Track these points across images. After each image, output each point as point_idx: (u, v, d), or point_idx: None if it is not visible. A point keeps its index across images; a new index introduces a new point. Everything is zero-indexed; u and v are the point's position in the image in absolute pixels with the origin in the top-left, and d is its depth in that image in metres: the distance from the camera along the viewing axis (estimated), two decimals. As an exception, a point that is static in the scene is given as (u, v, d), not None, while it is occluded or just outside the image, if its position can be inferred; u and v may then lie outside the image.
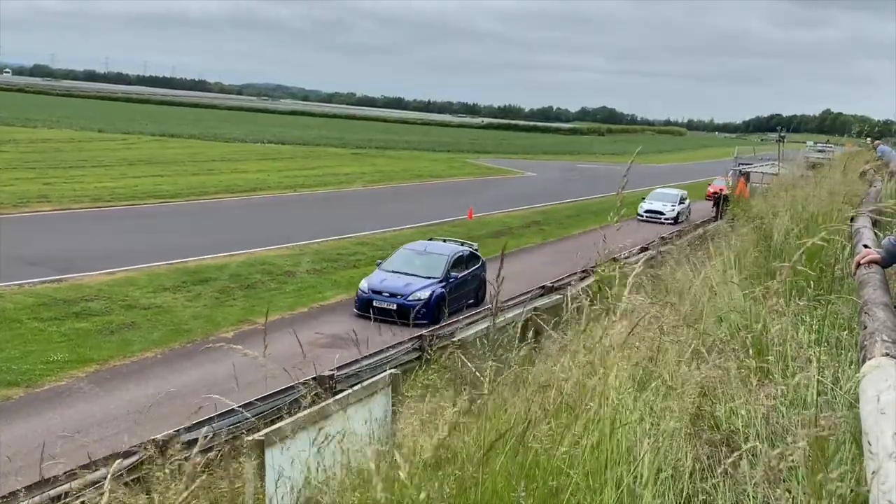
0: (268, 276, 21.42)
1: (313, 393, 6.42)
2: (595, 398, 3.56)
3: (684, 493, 3.01)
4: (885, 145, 19.53)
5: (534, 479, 3.31)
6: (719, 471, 2.97)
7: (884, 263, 4.00)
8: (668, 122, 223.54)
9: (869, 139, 22.30)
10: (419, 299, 18.28)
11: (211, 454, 7.12)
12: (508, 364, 5.11)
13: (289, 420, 6.16)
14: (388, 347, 12.70)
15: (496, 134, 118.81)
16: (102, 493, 6.69)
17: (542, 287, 15.42)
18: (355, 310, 18.64)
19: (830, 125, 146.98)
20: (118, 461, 7.74)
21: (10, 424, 11.75)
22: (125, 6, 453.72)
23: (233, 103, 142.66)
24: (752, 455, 2.94)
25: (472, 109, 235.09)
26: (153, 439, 8.36)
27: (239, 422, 8.40)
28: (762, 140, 69.33)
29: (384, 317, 16.62)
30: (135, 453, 8.21)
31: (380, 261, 20.46)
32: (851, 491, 2.50)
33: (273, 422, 6.57)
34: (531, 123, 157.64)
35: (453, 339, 11.98)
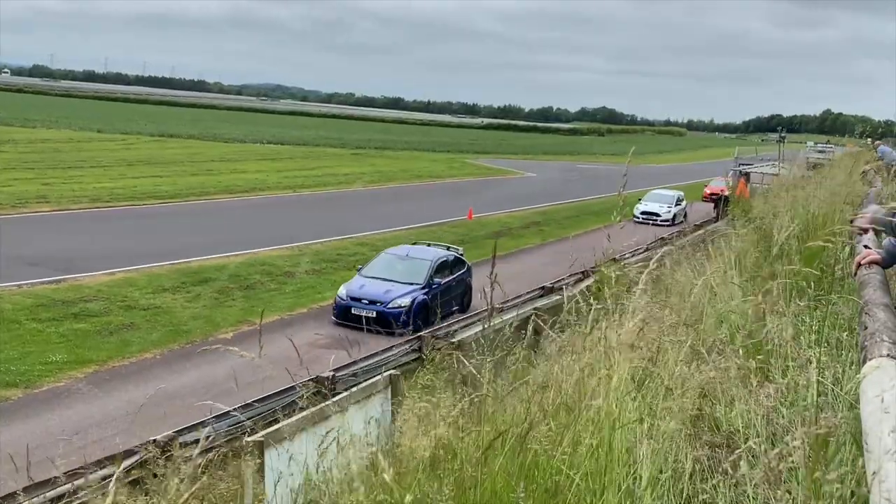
0: (267, 276, 21.41)
1: (313, 394, 6.42)
2: (595, 399, 3.55)
3: (684, 494, 3.00)
4: (886, 146, 19.53)
5: (533, 480, 3.30)
6: (719, 472, 2.97)
7: (884, 264, 4.00)
8: (668, 123, 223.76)
9: (869, 139, 22.29)
10: (400, 307, 17.71)
11: (210, 455, 7.11)
12: (508, 365, 5.10)
13: (288, 421, 6.15)
14: (387, 348, 12.69)
15: (496, 134, 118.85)
16: (103, 495, 6.68)
17: (542, 287, 15.41)
18: (333, 317, 18.05)
19: (831, 125, 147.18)
20: (119, 463, 7.74)
21: (8, 426, 11.73)
22: (124, 6, 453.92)
23: (232, 103, 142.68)
24: (752, 456, 2.93)
25: (471, 110, 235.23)
26: (153, 440, 8.36)
27: (237, 423, 8.39)
28: (762, 140, 69.38)
29: (362, 325, 16.20)
30: (134, 454, 8.21)
31: (360, 266, 19.88)
32: (852, 493, 2.50)
33: (272, 423, 6.57)
34: (531, 124, 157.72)
35: (452, 340, 11.96)
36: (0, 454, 7.50)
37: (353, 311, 17.58)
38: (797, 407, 3.14)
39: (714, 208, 30.90)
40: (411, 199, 40.02)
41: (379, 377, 7.31)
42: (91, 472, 7.34)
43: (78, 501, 6.86)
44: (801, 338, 3.82)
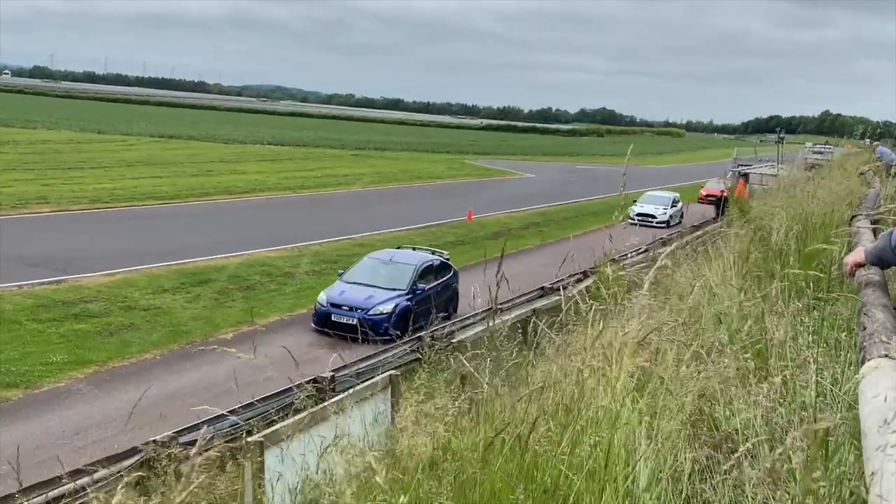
0: (267, 277, 21.42)
1: (312, 394, 6.43)
2: (594, 399, 3.56)
3: (683, 495, 3.01)
4: (884, 146, 19.54)
5: (533, 480, 3.31)
6: (718, 472, 2.97)
7: (869, 260, 3.96)
8: (667, 123, 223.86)
9: (868, 140, 22.31)
10: (381, 313, 17.23)
11: (210, 455, 7.12)
12: (507, 365, 5.11)
13: (288, 422, 6.15)
14: (386, 349, 12.71)
15: (495, 135, 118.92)
16: (105, 494, 6.69)
17: (541, 288, 15.43)
18: (313, 324, 17.59)
19: (830, 126, 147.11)
20: (119, 463, 7.76)
21: (8, 426, 11.74)
22: (124, 7, 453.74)
23: (232, 104, 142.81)
24: (752, 456, 2.94)
25: (471, 110, 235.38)
26: (153, 440, 8.37)
27: (237, 424, 8.40)
28: (761, 141, 69.40)
29: (344, 332, 15.82)
30: (135, 455, 8.22)
31: (341, 271, 19.25)
32: (850, 493, 2.50)
33: (271, 423, 6.57)
34: (530, 124, 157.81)
35: (452, 341, 11.97)
36: (0, 455, 7.51)
37: (333, 318, 17.15)
38: (796, 407, 3.15)
39: (714, 209, 30.88)
40: (411, 199, 40.03)
41: (378, 377, 7.31)
42: (91, 473, 7.35)
43: (79, 502, 6.87)
44: (800, 338, 3.82)
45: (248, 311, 18.43)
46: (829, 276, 4.96)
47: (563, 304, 5.20)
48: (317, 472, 5.18)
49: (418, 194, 43.00)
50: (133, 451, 8.33)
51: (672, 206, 37.93)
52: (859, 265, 3.88)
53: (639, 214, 35.67)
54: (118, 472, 7.70)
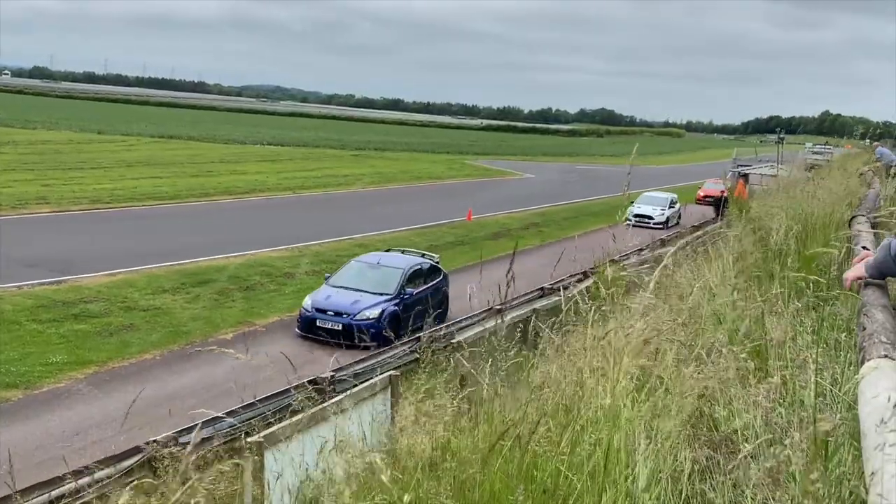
0: (267, 277, 21.43)
1: (312, 395, 6.42)
2: (594, 399, 3.56)
3: (683, 495, 3.01)
4: (884, 147, 19.54)
5: (532, 481, 3.31)
6: (718, 472, 2.97)
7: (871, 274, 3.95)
8: (666, 124, 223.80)
9: (868, 140, 22.31)
10: (367, 318, 16.75)
11: (210, 455, 7.12)
12: (506, 365, 5.11)
13: (288, 422, 6.16)
14: (386, 349, 12.71)
15: (495, 135, 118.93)
16: (101, 497, 6.69)
17: (541, 289, 15.42)
18: (297, 330, 17.15)
19: (829, 127, 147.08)
20: (119, 463, 7.75)
21: (8, 427, 11.74)
22: (124, 7, 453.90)
23: (232, 105, 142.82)
24: (751, 456, 2.94)
25: (471, 111, 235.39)
26: (153, 441, 8.36)
27: (236, 425, 8.40)
28: (761, 141, 69.38)
29: (329, 338, 15.46)
30: (134, 455, 8.21)
31: (328, 274, 18.70)
32: (850, 493, 2.50)
33: (270, 424, 6.57)
34: (530, 125, 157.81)
35: (452, 341, 11.97)
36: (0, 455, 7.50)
37: (318, 324, 16.73)
38: (796, 407, 3.14)
39: (714, 209, 30.75)
40: (411, 200, 40.03)
41: (378, 378, 7.32)
42: (91, 473, 7.35)
43: (80, 502, 6.87)
44: (800, 338, 3.82)
45: (248, 312, 18.46)
46: (829, 277, 4.96)
47: (562, 305, 5.20)
48: (316, 472, 5.18)
49: (418, 195, 43.00)
50: (134, 451, 8.33)
51: (669, 207, 37.57)
52: (859, 279, 3.87)
53: (636, 215, 34.90)
54: (118, 472, 7.70)
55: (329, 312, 16.95)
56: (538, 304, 14.76)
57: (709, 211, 32.09)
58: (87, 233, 24.98)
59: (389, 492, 3.43)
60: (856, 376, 2.70)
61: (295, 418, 6.14)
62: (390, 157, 64.49)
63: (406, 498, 3.39)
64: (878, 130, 20.01)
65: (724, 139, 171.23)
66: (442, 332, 13.04)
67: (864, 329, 3.05)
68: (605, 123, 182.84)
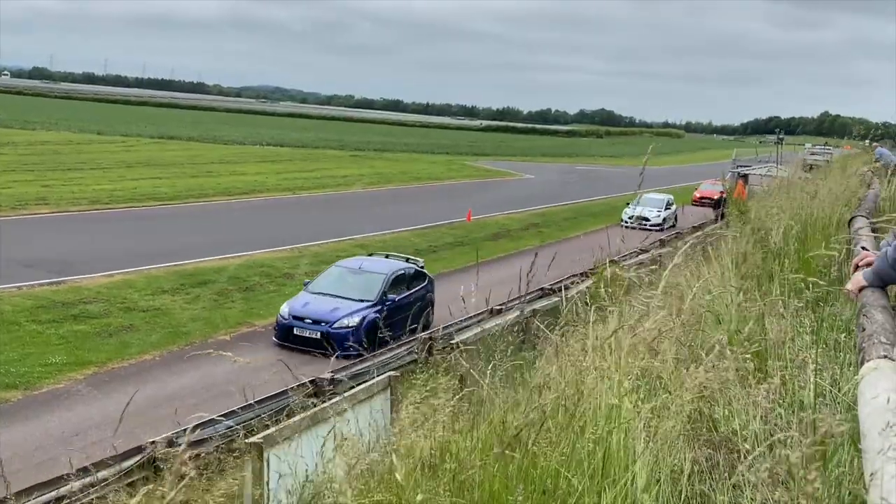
0: (266, 278, 21.42)
1: (312, 396, 6.43)
2: (593, 400, 3.56)
3: (683, 496, 3.01)
4: (884, 148, 19.54)
5: (531, 482, 3.31)
6: (717, 473, 2.98)
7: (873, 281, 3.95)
8: (666, 124, 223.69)
9: (867, 141, 22.32)
10: (346, 327, 16.18)
11: (209, 455, 7.13)
12: (506, 366, 5.11)
13: (288, 422, 6.16)
14: (386, 350, 12.72)
15: (494, 136, 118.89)
16: (100, 498, 6.69)
17: (541, 289, 15.42)
18: (274, 339, 16.52)
19: (829, 127, 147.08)
20: (120, 464, 7.76)
21: (8, 427, 11.74)
22: (124, 8, 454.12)
23: (231, 105, 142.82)
24: (751, 457, 2.94)
25: (470, 112, 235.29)
26: (152, 441, 8.37)
27: (235, 426, 8.40)
28: (760, 142, 69.41)
29: (306, 347, 15.15)
30: (134, 456, 8.22)
31: (307, 280, 18.09)
32: (850, 493, 2.50)
33: (270, 425, 6.57)
34: (529, 126, 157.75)
35: (452, 342, 11.98)
36: (-1, 456, 7.50)
37: (295, 332, 16.16)
38: (795, 408, 3.15)
39: (713, 210, 30.68)
40: (410, 200, 40.03)
41: (378, 378, 7.32)
42: (90, 475, 7.35)
43: (82, 501, 6.88)
44: (799, 339, 3.83)
45: (247, 313, 18.46)
46: (829, 278, 4.97)
47: (562, 305, 5.20)
48: (316, 473, 5.18)
49: (418, 195, 43.01)
50: (134, 452, 8.33)
51: (666, 209, 36.92)
52: (861, 289, 3.87)
53: (631, 217, 34.04)
54: (118, 473, 7.71)
55: (307, 320, 16.37)
56: (538, 305, 14.77)
57: (707, 212, 31.90)
58: (86, 233, 24.98)
59: (403, 490, 3.42)
60: (855, 377, 2.70)
61: (295, 419, 6.15)
62: (390, 158, 64.49)
63: (412, 498, 3.39)
64: (879, 132, 20.01)
65: (723, 140, 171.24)
66: (441, 333, 13.05)
67: (864, 330, 3.05)
68: (605, 124, 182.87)
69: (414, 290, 18.03)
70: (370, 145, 75.14)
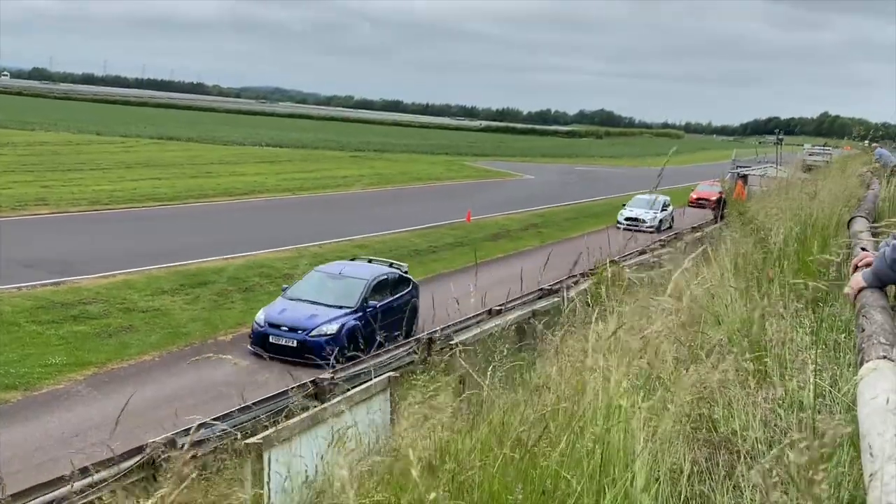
0: (266, 278, 21.42)
1: (312, 396, 6.44)
2: (593, 400, 3.56)
3: (682, 496, 3.01)
4: (883, 148, 19.56)
5: (531, 482, 3.31)
6: (717, 473, 2.98)
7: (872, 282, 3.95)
8: (665, 125, 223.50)
9: (866, 142, 22.33)
10: (324, 334, 15.53)
11: (209, 456, 7.12)
12: (506, 366, 5.11)
13: (288, 423, 6.16)
14: (386, 350, 12.72)
15: (494, 137, 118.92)
16: (100, 498, 6.69)
17: (541, 290, 15.43)
18: (249, 346, 15.62)
19: (828, 128, 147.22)
20: (118, 465, 7.75)
21: (8, 428, 11.74)
22: (123, 8, 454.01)
23: (231, 106, 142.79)
24: (750, 458, 2.94)
25: (470, 112, 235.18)
26: (150, 442, 8.37)
27: (235, 426, 8.39)
28: (760, 143, 69.48)
29: (282, 355, 14.41)
30: (132, 457, 8.21)
31: (286, 286, 17.49)
32: (850, 495, 2.51)
33: (269, 426, 6.57)
34: (529, 126, 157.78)
35: (451, 342, 11.98)
36: (-1, 456, 7.51)
37: (270, 340, 15.42)
38: (795, 409, 3.15)
39: (713, 211, 30.51)
40: (410, 201, 40.04)
41: (378, 379, 7.32)
42: (89, 475, 7.35)
43: (82, 502, 6.88)
44: (799, 340, 3.83)
45: (247, 313, 18.44)
46: (829, 279, 4.97)
47: (562, 306, 5.21)
48: (315, 474, 5.19)
49: (417, 196, 43.02)
50: (134, 453, 8.33)
51: (662, 210, 35.99)
52: (861, 290, 3.87)
53: (627, 219, 34.29)
54: (118, 473, 7.70)
55: (283, 328, 15.77)
56: (538, 306, 14.78)
57: (704, 213, 31.35)
58: (86, 234, 24.98)
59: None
60: (855, 377, 2.71)
61: (294, 419, 6.15)
62: (389, 159, 64.50)
63: (406, 498, 3.39)
64: (880, 133, 20.02)
65: (722, 140, 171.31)
66: (441, 334, 13.05)
67: (863, 330, 3.05)
68: (604, 125, 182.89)
69: (397, 295, 17.43)
70: (370, 146, 75.15)
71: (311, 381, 10.63)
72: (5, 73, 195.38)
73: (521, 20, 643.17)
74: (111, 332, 16.59)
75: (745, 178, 35.71)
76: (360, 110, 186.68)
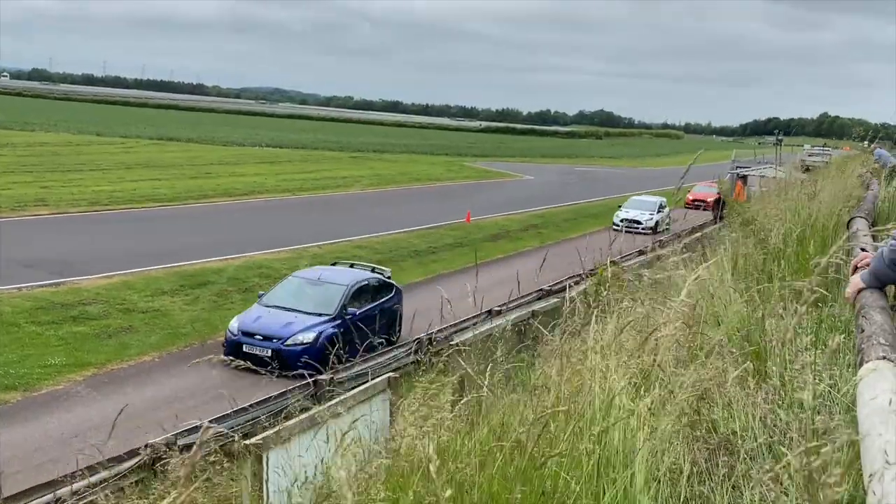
0: (266, 279, 21.40)
1: (311, 396, 6.44)
2: (592, 401, 3.56)
3: (682, 497, 3.01)
4: (883, 149, 19.57)
5: (530, 483, 3.31)
6: (717, 474, 2.98)
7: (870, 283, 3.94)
8: (665, 126, 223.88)
9: (866, 142, 22.35)
10: (300, 343, 14.97)
11: (209, 457, 7.12)
12: (506, 367, 5.11)
13: (287, 423, 6.16)
14: (386, 351, 12.73)
15: (494, 137, 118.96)
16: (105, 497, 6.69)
17: (540, 290, 15.44)
18: (223, 356, 15.56)
19: (828, 128, 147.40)
20: (119, 465, 7.75)
21: (7, 429, 11.74)
22: (123, 9, 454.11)
23: (231, 107, 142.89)
24: (750, 458, 2.94)
25: (469, 113, 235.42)
26: (149, 444, 8.37)
27: (235, 426, 8.41)
28: (759, 143, 69.44)
29: (257, 365, 14.31)
30: (131, 458, 8.21)
31: (262, 292, 17.05)
32: (849, 494, 2.50)
33: (269, 426, 6.57)
34: (529, 127, 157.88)
35: (451, 343, 11.99)
36: (-2, 457, 7.51)
37: (244, 349, 14.76)
38: (794, 409, 3.15)
39: (712, 211, 30.45)
40: (410, 202, 40.06)
41: (378, 379, 7.33)
42: (89, 476, 7.34)
43: (83, 502, 6.88)
44: (798, 340, 3.83)
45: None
46: (828, 279, 4.97)
47: (561, 306, 5.20)
48: (315, 474, 5.18)
49: (417, 196, 43.03)
50: (134, 453, 8.33)
51: (658, 211, 35.59)
52: (860, 291, 3.87)
53: (623, 220, 33.38)
54: (118, 474, 7.70)
55: (257, 336, 15.23)
56: (538, 306, 14.78)
57: (702, 215, 30.96)
58: (85, 234, 24.98)
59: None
60: (854, 378, 2.71)
61: (294, 420, 6.15)
62: (389, 159, 64.52)
63: (406, 499, 3.39)
64: (880, 134, 20.05)
65: (722, 141, 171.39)
66: (441, 335, 13.05)
67: (863, 331, 3.05)
68: (604, 125, 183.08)
69: (379, 302, 16.87)
70: (369, 146, 75.17)
71: (311, 382, 10.63)
72: (5, 73, 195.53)
73: (521, 20, 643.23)
74: (111, 332, 16.58)
75: (744, 178, 35.64)
76: (359, 111, 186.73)
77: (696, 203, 37.04)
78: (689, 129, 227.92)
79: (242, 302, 19.42)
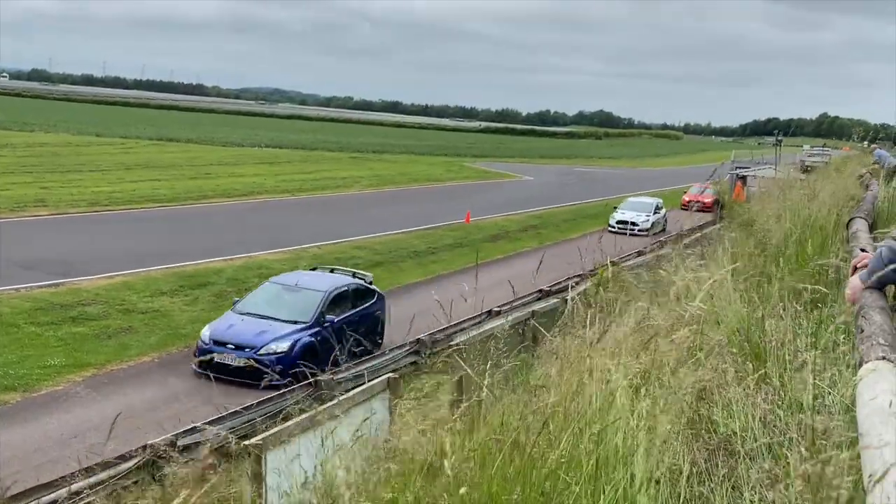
0: (265, 280, 21.40)
1: (311, 397, 6.44)
2: (592, 401, 3.56)
3: (682, 497, 3.01)
4: (882, 149, 19.60)
5: (530, 483, 3.31)
6: (716, 474, 2.98)
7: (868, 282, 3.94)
8: (664, 126, 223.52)
9: (866, 143, 22.38)
10: (274, 352, 14.35)
11: (208, 458, 7.12)
12: (505, 367, 5.11)
13: (287, 424, 6.16)
14: (386, 351, 12.72)
15: (493, 138, 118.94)
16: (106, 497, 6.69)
17: (540, 291, 15.43)
18: (193, 367, 14.62)
19: (828, 129, 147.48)
20: (118, 466, 7.75)
21: (7, 429, 11.74)
22: (123, 9, 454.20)
23: (230, 107, 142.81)
24: (750, 458, 2.94)
25: (469, 113, 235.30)
26: (148, 444, 8.36)
27: (234, 427, 8.41)
28: (759, 144, 69.39)
29: (228, 375, 13.64)
30: (131, 459, 8.21)
31: (237, 299, 16.43)
32: (848, 494, 2.50)
33: (268, 427, 6.57)
34: (528, 127, 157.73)
35: (451, 343, 11.98)
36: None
37: (216, 359, 14.26)
38: (794, 409, 3.15)
39: (712, 211, 30.35)
40: (409, 202, 40.04)
41: (378, 380, 7.32)
42: (88, 476, 7.35)
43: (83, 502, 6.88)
44: (798, 340, 3.83)
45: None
46: (828, 279, 4.97)
47: (561, 307, 5.21)
48: (314, 475, 5.18)
49: (416, 197, 43.02)
50: (133, 454, 8.33)
51: (654, 213, 35.34)
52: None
53: (619, 222, 33.68)
54: (117, 474, 7.70)
55: (229, 345, 14.58)
56: (537, 307, 14.78)
57: (699, 216, 30.59)
58: (85, 235, 24.97)
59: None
60: (854, 378, 2.71)
61: (293, 421, 6.15)
62: (389, 160, 64.51)
63: (406, 499, 3.40)
64: (880, 134, 20.09)
65: (721, 141, 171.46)
66: (441, 335, 13.04)
67: (862, 331, 3.05)
68: (603, 125, 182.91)
69: (359, 308, 16.23)
70: (369, 147, 75.15)
71: (310, 382, 10.62)
72: (4, 74, 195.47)
73: (521, 20, 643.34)
74: (110, 333, 16.57)
75: (744, 179, 35.60)
76: (359, 111, 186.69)
77: (691, 204, 36.65)
78: (688, 129, 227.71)
79: (242, 302, 19.43)
